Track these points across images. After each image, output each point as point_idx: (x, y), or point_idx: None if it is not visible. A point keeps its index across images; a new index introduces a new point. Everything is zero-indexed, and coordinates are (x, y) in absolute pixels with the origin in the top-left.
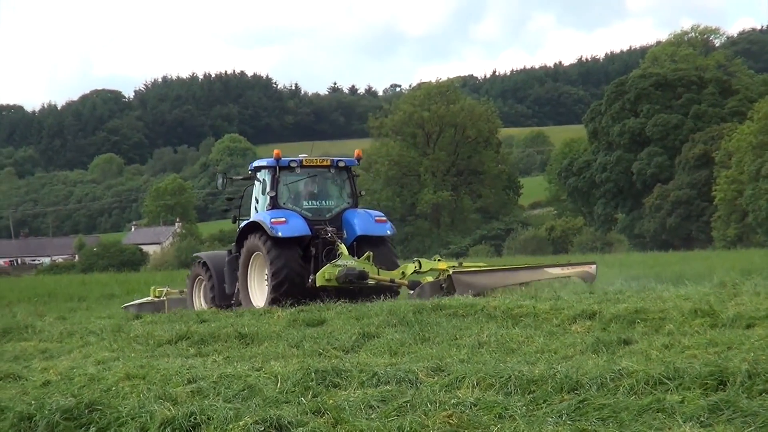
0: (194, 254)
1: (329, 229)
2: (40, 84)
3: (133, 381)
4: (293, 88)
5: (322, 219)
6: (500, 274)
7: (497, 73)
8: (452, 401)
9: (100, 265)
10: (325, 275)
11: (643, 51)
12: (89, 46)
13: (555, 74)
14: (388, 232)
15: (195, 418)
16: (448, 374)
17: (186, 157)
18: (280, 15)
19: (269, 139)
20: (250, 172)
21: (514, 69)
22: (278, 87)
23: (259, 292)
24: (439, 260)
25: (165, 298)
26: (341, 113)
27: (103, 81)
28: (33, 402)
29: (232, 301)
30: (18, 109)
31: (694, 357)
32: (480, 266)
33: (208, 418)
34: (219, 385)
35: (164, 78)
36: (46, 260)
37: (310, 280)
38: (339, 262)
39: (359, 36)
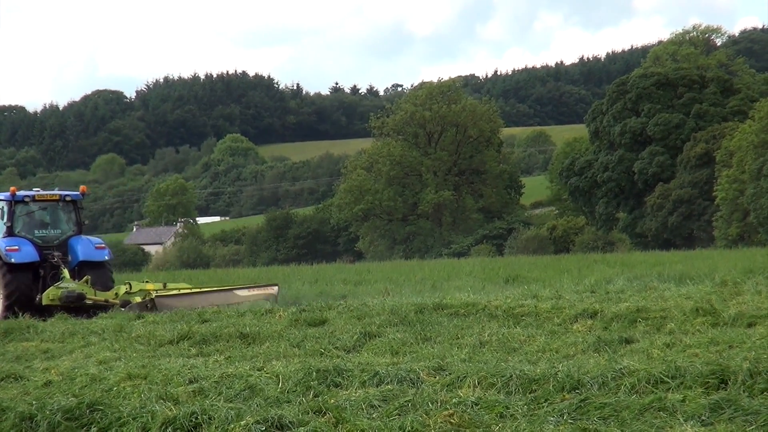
0: None
1: (56, 254)
2: (44, 85)
3: (135, 381)
4: (295, 88)
5: (50, 245)
6: (196, 297)
7: (499, 73)
8: (453, 400)
9: None
10: (49, 296)
11: (644, 50)
12: (93, 47)
13: (557, 74)
14: (106, 257)
15: (196, 418)
16: (450, 374)
17: (188, 158)
18: (288, 15)
19: (271, 139)
20: None
21: (516, 68)
22: (280, 87)
23: None
24: (146, 282)
25: None
26: (343, 113)
27: (106, 81)
28: (34, 402)
29: None
30: (20, 110)
31: (695, 356)
32: (181, 288)
33: (210, 418)
34: (220, 385)
35: (166, 78)
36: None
37: (37, 299)
38: (62, 285)
39: (367, 36)
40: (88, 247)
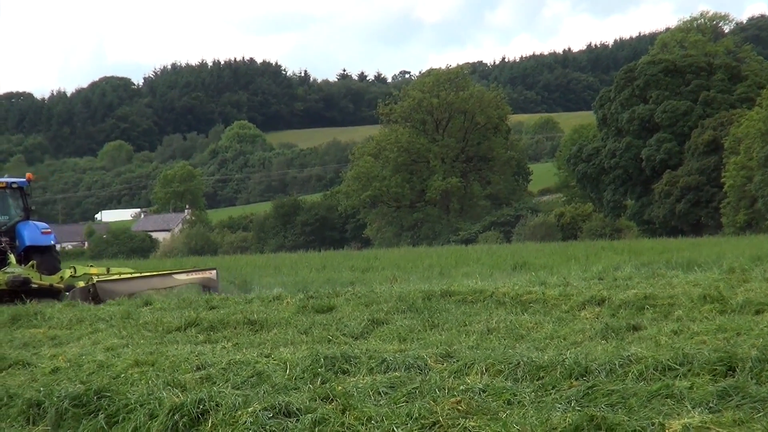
0: None
1: (2, 239)
2: (51, 71)
3: (142, 368)
4: (303, 75)
5: None
6: (137, 281)
7: (506, 60)
8: (461, 387)
9: (109, 252)
10: None
11: (652, 37)
12: (100, 34)
13: (564, 60)
14: (52, 242)
15: (203, 405)
16: (457, 360)
17: (195, 144)
18: (296, 1)
19: (279, 126)
20: None
21: (524, 55)
22: (288, 74)
23: None
24: (91, 266)
25: None
26: (350, 100)
27: (113, 68)
28: (42, 389)
29: None
30: (27, 97)
31: (703, 343)
32: (124, 273)
33: (217, 405)
34: (228, 372)
35: (174, 65)
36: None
37: None
38: (8, 270)
39: (375, 23)
40: (35, 232)
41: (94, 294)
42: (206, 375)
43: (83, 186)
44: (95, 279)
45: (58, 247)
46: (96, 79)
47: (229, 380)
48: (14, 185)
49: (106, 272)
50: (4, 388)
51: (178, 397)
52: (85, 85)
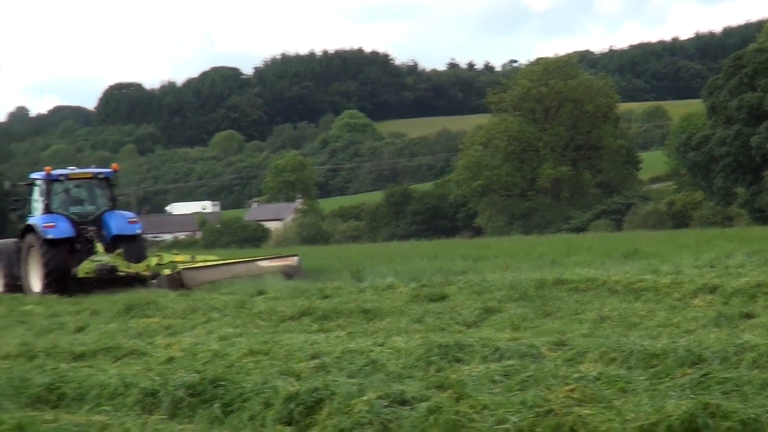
0: None
1: (90, 229)
2: (161, 62)
3: (257, 357)
4: (411, 64)
5: (86, 221)
6: (221, 268)
7: (614, 48)
8: (575, 375)
9: (222, 242)
10: (84, 269)
11: (759, 25)
12: (209, 24)
13: (672, 48)
14: (138, 231)
15: (318, 394)
16: (571, 348)
17: (305, 134)
18: None
19: (388, 115)
20: (30, 180)
21: (632, 43)
22: (396, 63)
23: (36, 280)
24: (176, 254)
25: None
26: (459, 89)
27: (223, 58)
28: (157, 378)
29: (19, 283)
30: (138, 87)
31: None
32: (208, 260)
33: (332, 394)
34: (342, 361)
35: (283, 55)
36: (169, 237)
37: (73, 273)
38: (95, 258)
39: (483, 11)
40: (122, 221)
41: (179, 281)
42: (321, 364)
43: (194, 176)
44: (180, 267)
45: (170, 237)
46: (206, 69)
47: (344, 369)
48: (101, 176)
49: (191, 260)
50: (119, 377)
51: (293, 385)
52: (195, 75)
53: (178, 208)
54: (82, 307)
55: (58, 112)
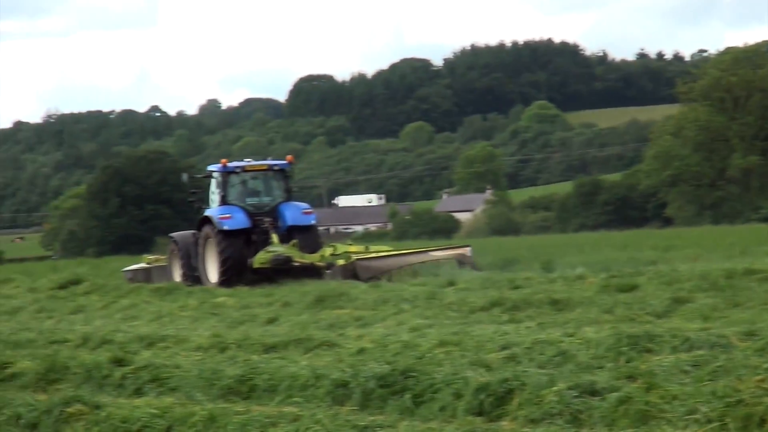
0: (170, 234)
1: (266, 220)
2: (352, 54)
3: (447, 348)
4: (601, 54)
5: (261, 212)
6: (394, 258)
7: None
8: (765, 365)
9: (412, 233)
10: (259, 260)
11: None
12: (399, 16)
13: None
14: (313, 221)
15: (509, 384)
16: (761, 338)
17: (496, 125)
18: None
19: (578, 105)
20: (208, 173)
21: None
22: (586, 54)
23: (212, 271)
24: (350, 244)
25: (152, 266)
26: (649, 79)
27: (413, 50)
28: (348, 369)
29: (196, 274)
30: (328, 79)
31: None
32: (382, 251)
33: (522, 384)
34: (532, 351)
35: (473, 46)
36: (359, 228)
37: (249, 263)
38: (270, 249)
39: (672, 1)
40: (296, 212)
41: (353, 272)
42: (511, 354)
43: (385, 167)
44: (354, 257)
45: (361, 229)
46: (396, 60)
47: (534, 359)
48: (276, 167)
49: (364, 250)
50: (311, 368)
51: (483, 376)
52: (385, 66)
53: (344, 201)
54: (273, 299)
55: (249, 104)
